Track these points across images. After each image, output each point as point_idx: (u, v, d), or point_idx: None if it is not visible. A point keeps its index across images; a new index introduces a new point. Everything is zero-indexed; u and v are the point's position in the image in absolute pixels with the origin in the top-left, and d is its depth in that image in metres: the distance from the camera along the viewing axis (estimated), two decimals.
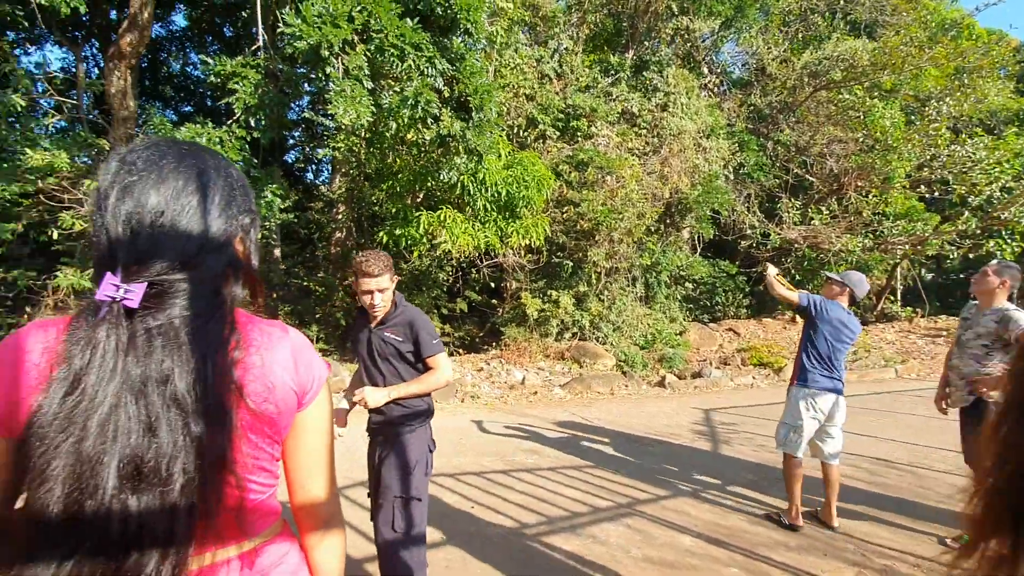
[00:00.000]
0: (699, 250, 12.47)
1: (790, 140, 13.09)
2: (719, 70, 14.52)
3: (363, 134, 7.09)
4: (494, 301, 10.40)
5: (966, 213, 13.00)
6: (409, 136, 7.38)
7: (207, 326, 0.76)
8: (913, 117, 13.22)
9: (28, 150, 6.73)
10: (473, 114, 6.84)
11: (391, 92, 6.63)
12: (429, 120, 6.53)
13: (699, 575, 2.92)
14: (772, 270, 3.75)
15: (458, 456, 4.81)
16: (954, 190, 12.98)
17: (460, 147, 6.92)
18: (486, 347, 9.77)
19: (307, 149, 11.68)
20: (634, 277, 10.53)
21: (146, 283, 0.73)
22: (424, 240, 7.69)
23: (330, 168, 11.32)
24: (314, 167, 12.25)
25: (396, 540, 2.24)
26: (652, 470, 4.58)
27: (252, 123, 7.00)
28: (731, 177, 11.90)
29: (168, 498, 0.69)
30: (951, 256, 14.85)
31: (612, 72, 10.91)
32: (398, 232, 7.63)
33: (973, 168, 12.73)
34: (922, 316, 16.39)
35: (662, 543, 3.27)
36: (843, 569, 3.02)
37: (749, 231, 12.38)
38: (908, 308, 16.55)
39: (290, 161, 11.80)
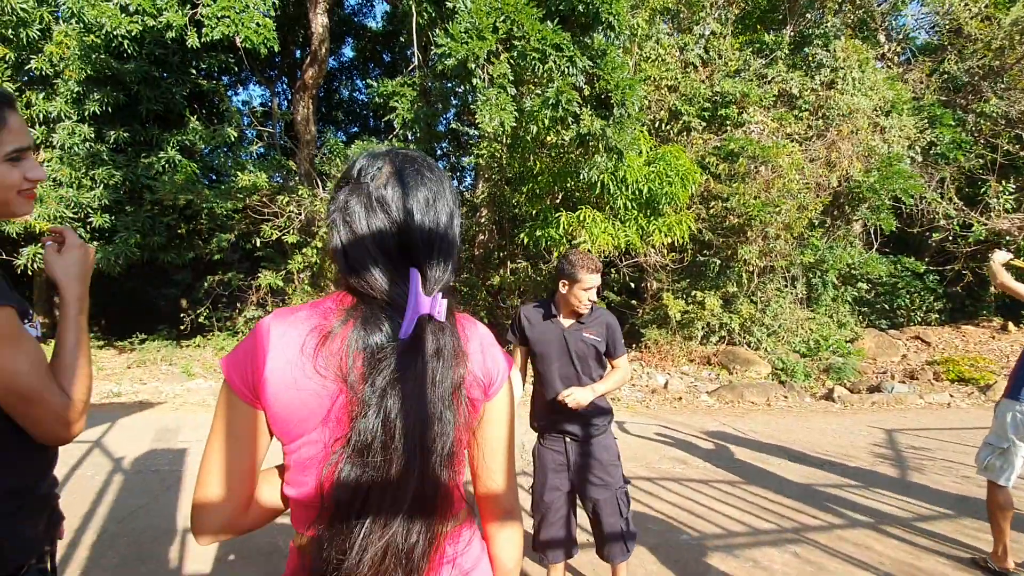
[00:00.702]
0: (876, 245, 10.82)
1: (998, 111, 10.78)
2: (900, 36, 12.48)
3: (505, 140, 7.32)
4: (634, 302, 10.08)
5: None
6: (549, 138, 7.46)
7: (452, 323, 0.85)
8: None
9: (239, 173, 8.07)
10: (614, 110, 6.70)
11: (533, 95, 6.76)
12: (569, 120, 6.53)
13: None
14: (1001, 256, 3.07)
15: None
16: None
17: (600, 145, 6.82)
18: (626, 349, 9.51)
19: (453, 158, 12.43)
20: (793, 276, 9.48)
21: (440, 293, 0.83)
22: (563, 241, 7.72)
23: (473, 174, 11.91)
24: (459, 174, 12.99)
25: (623, 525, 2.45)
26: (821, 495, 4.06)
27: (409, 136, 7.64)
28: (918, 159, 10.15)
29: (441, 476, 0.80)
30: None
31: (767, 52, 9.95)
32: (538, 233, 7.76)
33: None
34: None
35: None
36: None
37: (943, 221, 10.44)
38: None
39: None
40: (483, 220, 10.55)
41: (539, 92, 6.66)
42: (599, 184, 7.25)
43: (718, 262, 9.10)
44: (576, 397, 2.31)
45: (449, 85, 8.82)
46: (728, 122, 9.50)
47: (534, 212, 8.17)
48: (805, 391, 7.60)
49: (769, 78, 9.66)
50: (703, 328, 9.10)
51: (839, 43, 9.79)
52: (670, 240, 7.89)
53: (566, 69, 6.21)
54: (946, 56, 11.47)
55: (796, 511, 3.72)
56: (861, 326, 10.02)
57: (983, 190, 10.69)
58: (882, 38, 11.94)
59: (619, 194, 7.48)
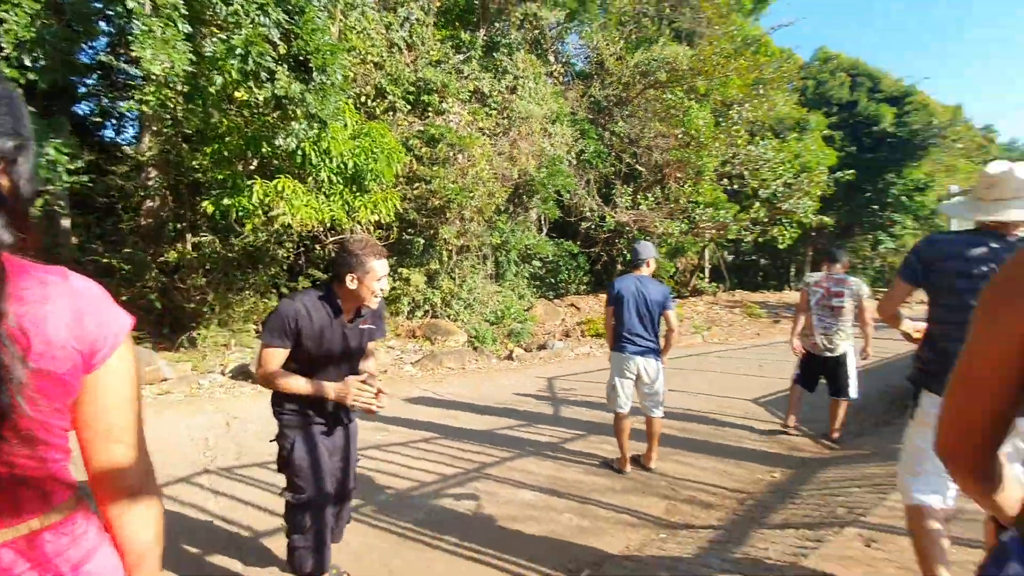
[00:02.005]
0: (545, 230, 13.18)
1: (623, 132, 14.36)
2: (564, 60, 15.32)
3: (180, 87, 6.15)
4: None
5: (757, 204, 15.55)
6: (239, 94, 6.58)
7: None
8: (720, 119, 15.33)
9: None
10: (314, 75, 6.34)
11: (215, 40, 5.84)
12: (263, 76, 5.90)
13: (537, 524, 3.14)
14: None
15: None
16: (748, 184, 15.43)
17: (299, 111, 6.38)
18: None
19: (105, 100, 9.79)
20: (484, 255, 10.78)
21: None
22: (259, 212, 6.99)
23: (138, 125, 9.65)
24: (115, 123, 10.34)
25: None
26: (499, 437, 4.79)
27: (27, 62, 5.68)
28: (574, 162, 12.71)
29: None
30: (746, 240, 17.72)
31: (464, 49, 10.89)
32: (227, 202, 6.83)
33: (763, 166, 15.23)
34: (724, 291, 19.36)
35: (506, 500, 3.45)
36: (657, 502, 3.49)
37: (589, 213, 13.38)
38: (713, 284, 19.40)
39: (82, 113, 9.81)
40: (152, 183, 8.70)
41: (224, 38, 5.78)
42: (300, 154, 6.80)
43: (422, 241, 9.65)
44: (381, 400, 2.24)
45: (96, 4, 6.88)
46: (431, 109, 10.08)
47: (221, 178, 7.15)
48: (492, 354, 8.80)
49: (465, 74, 10.60)
50: (409, 303, 9.57)
51: (520, 55, 11.41)
52: (376, 217, 7.98)
53: (256, 17, 5.57)
54: (593, 83, 14.62)
55: (479, 454, 4.30)
56: (535, 297, 12.11)
57: (613, 191, 14.12)
58: (552, 58, 14.41)
59: (323, 166, 7.16)
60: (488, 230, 10.51)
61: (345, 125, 7.43)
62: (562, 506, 3.41)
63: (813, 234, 21.55)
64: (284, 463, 2.21)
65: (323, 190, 7.51)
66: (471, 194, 9.50)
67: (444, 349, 8.61)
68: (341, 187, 7.59)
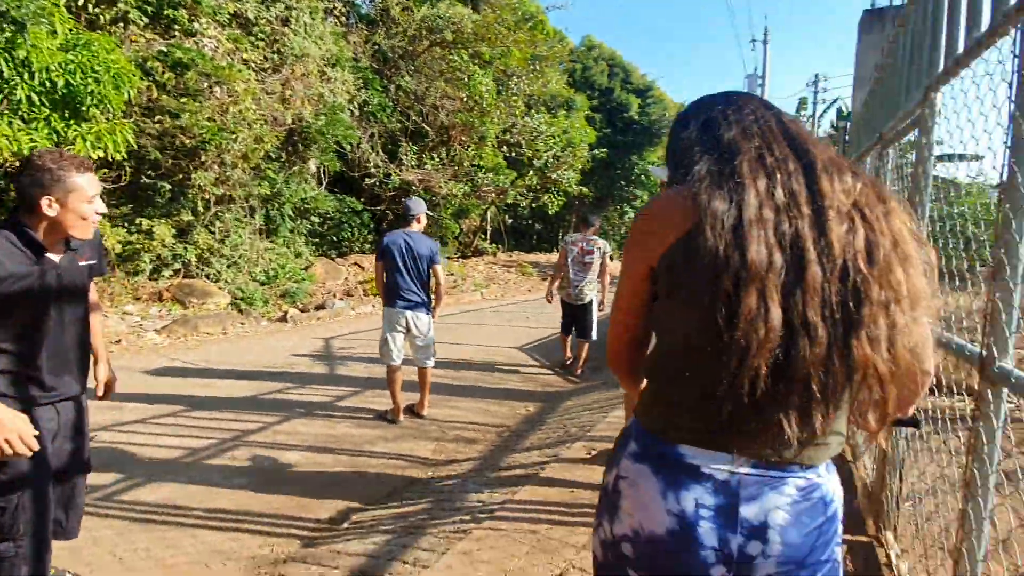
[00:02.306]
0: (324, 184, 12.34)
1: (410, 87, 14.08)
2: None
3: None
4: None
5: (531, 172, 16.98)
6: None
7: None
8: (501, 88, 16.12)
9: None
10: None
11: None
12: None
13: (302, 483, 3.05)
14: None
15: None
16: (525, 153, 16.71)
17: None
18: None
19: None
20: (252, 208, 9.63)
21: None
22: None
23: None
24: None
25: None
26: (266, 402, 4.46)
27: None
28: (356, 113, 12.04)
29: None
30: (522, 205, 19.27)
31: None
32: None
33: (537, 138, 16.62)
34: (502, 251, 20.90)
35: (268, 465, 3.27)
36: (427, 445, 3.69)
37: (373, 170, 12.93)
38: (493, 245, 20.79)
39: None
40: None
41: None
42: None
43: (169, 187, 8.16)
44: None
45: None
46: (177, 26, 8.39)
47: None
48: (262, 316, 8.04)
49: None
50: (153, 261, 8.07)
51: None
52: (101, 153, 6.44)
53: None
54: (378, 31, 13.89)
55: (238, 421, 3.94)
56: (315, 255, 11.35)
57: (399, 148, 13.85)
58: None
59: (20, 82, 5.49)
60: (256, 179, 9.38)
61: (54, 32, 5.77)
62: (331, 461, 3.37)
63: (576, 203, 24.55)
64: None
65: (20, 113, 5.76)
66: (233, 136, 8.30)
67: (201, 313, 7.54)
68: (47, 111, 5.92)
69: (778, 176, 0.73)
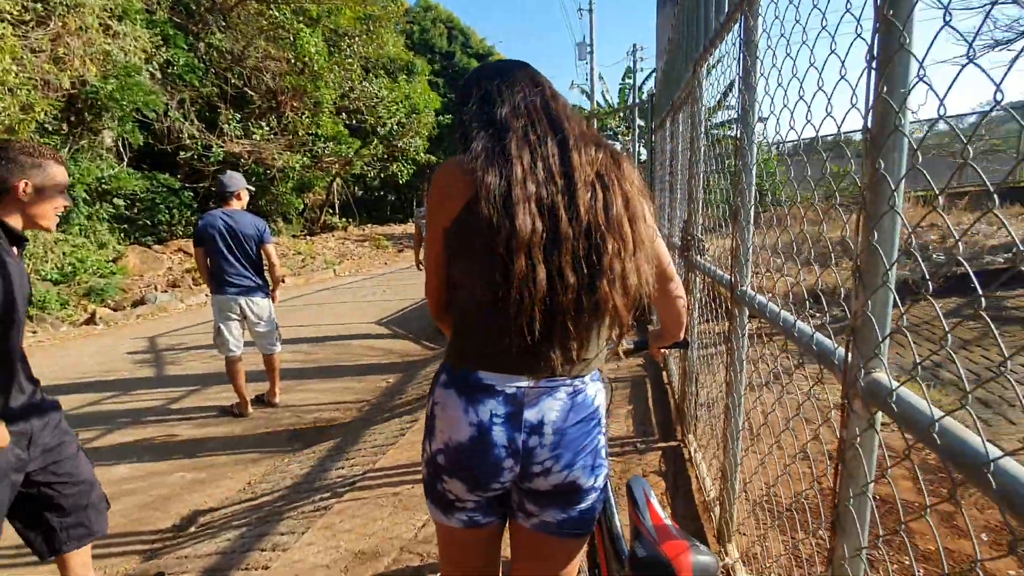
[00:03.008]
0: (128, 160, 10.60)
1: (224, 46, 12.50)
2: None
3: None
4: None
5: (375, 141, 16.31)
6: None
7: None
8: (333, 50, 15.03)
9: None
10: None
11: None
12: None
13: (136, 496, 2.76)
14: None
15: None
16: (367, 120, 15.95)
17: None
18: None
19: None
20: None
21: None
22: None
23: None
24: None
25: None
26: (79, 416, 3.87)
27: None
28: (159, 76, 10.42)
29: None
30: (370, 175, 18.51)
31: None
32: None
33: (379, 104, 15.92)
34: (354, 225, 20.00)
35: None
36: (282, 433, 3.54)
37: (189, 141, 11.40)
38: (344, 219, 19.79)
39: None
40: None
41: None
42: None
43: None
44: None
45: None
46: None
47: None
48: (62, 321, 6.82)
49: None
50: None
51: None
52: None
53: None
54: None
55: None
56: (124, 244, 9.81)
57: (220, 116, 12.33)
58: None
59: None
60: None
61: None
62: (170, 468, 3.08)
63: (427, 171, 24.21)
64: None
65: None
66: None
67: None
68: None
69: (539, 152, 0.88)
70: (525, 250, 0.83)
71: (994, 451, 0.59)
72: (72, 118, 8.69)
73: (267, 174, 13.35)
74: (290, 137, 13.71)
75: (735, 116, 2.09)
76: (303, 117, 14.13)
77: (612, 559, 1.26)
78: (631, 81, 17.85)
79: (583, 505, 0.97)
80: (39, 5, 8.17)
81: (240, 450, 3.29)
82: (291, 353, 5.11)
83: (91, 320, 6.90)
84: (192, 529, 2.44)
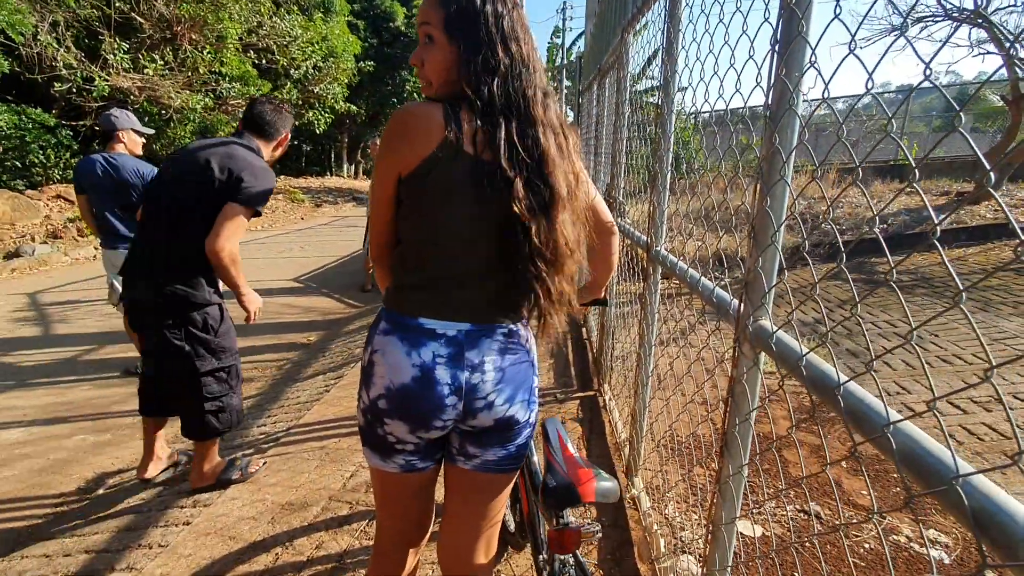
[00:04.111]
0: None
1: None
2: None
3: None
4: None
5: (289, 84, 15.13)
6: None
7: None
8: None
9: None
10: None
11: None
12: None
13: (31, 460, 2.57)
14: None
15: None
16: (278, 61, 14.70)
17: None
18: None
19: None
20: None
21: None
22: None
23: None
24: None
25: None
26: None
27: None
28: None
29: None
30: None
31: None
32: None
33: (292, 44, 14.70)
34: None
35: None
36: None
37: (65, 71, 9.98)
38: None
39: None
40: None
41: None
42: None
43: None
44: None
45: None
46: None
47: None
48: None
49: None
50: None
51: None
52: None
53: None
54: None
55: None
56: None
57: (102, 45, 10.86)
58: None
59: None
60: None
61: None
62: (69, 431, 2.87)
63: (347, 121, 22.91)
64: None
65: None
66: None
67: None
68: None
69: (513, 103, 0.93)
70: (500, 201, 0.89)
71: (843, 377, 0.73)
72: None
73: (163, 115, 12.04)
74: (189, 74, 12.39)
75: (658, 84, 2.20)
76: (204, 52, 12.77)
77: (530, 491, 1.39)
78: (559, 40, 17.74)
79: (520, 440, 1.05)
80: None
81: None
82: None
83: None
84: (100, 492, 2.32)
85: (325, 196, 17.52)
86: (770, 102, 0.96)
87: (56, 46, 9.76)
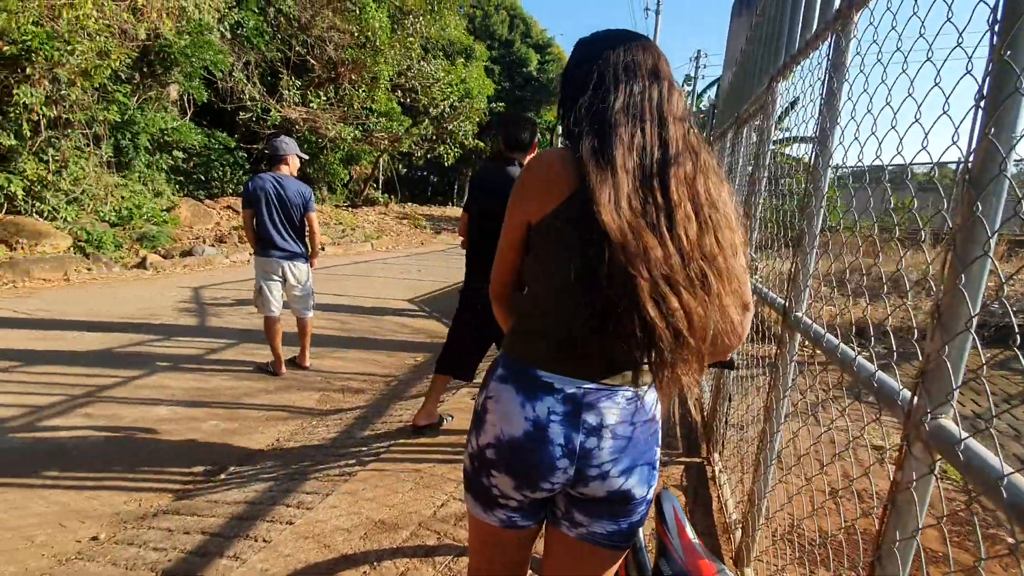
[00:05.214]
0: (189, 114, 10.97)
1: (293, 13, 12.77)
2: None
3: None
4: None
5: (427, 121, 16.43)
6: None
7: None
8: (396, 27, 15.18)
9: None
10: None
11: None
12: None
13: (173, 436, 2.90)
14: None
15: None
16: (420, 100, 16.07)
17: None
18: None
19: None
20: (97, 136, 8.34)
21: None
22: None
23: None
24: None
25: None
26: (124, 356, 4.07)
27: None
28: (228, 36, 10.73)
29: None
30: (417, 155, 18.68)
31: None
32: None
33: (434, 85, 16.02)
34: (396, 202, 20.26)
35: (133, 420, 3.04)
36: (311, 396, 3.64)
37: (249, 103, 11.72)
38: (386, 195, 20.06)
39: None
40: None
41: None
42: None
43: None
44: None
45: None
46: None
47: None
48: (115, 262, 7.15)
49: None
50: None
51: None
52: None
53: None
54: None
55: (91, 376, 3.58)
56: (179, 195, 10.19)
57: (281, 82, 12.63)
58: None
59: None
60: (102, 103, 8.09)
61: None
62: (205, 415, 3.21)
63: (473, 156, 24.32)
64: None
65: None
66: (70, 47, 7.04)
67: (34, 256, 6.52)
68: None
69: (644, 164, 0.85)
70: (625, 257, 0.80)
71: None
72: (144, 69, 9.04)
73: (319, 143, 13.63)
74: (345, 109, 13.95)
75: (797, 135, 2.04)
76: (359, 90, 14.35)
77: (632, 569, 1.26)
78: (691, 88, 17.49)
79: (634, 517, 0.95)
80: None
81: (272, 406, 3.41)
82: (326, 320, 5.25)
83: (141, 264, 7.21)
84: (222, 476, 2.55)
85: (445, 224, 18.55)
86: (971, 164, 0.82)
87: (245, 82, 11.48)
